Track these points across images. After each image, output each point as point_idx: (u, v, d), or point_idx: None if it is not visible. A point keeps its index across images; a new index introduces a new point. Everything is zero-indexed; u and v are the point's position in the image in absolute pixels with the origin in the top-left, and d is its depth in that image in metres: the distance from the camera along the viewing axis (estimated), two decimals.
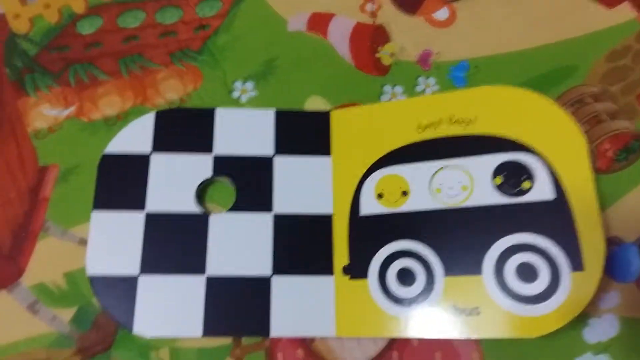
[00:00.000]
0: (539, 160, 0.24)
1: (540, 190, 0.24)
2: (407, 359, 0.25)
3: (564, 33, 0.30)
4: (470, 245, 0.24)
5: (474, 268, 0.23)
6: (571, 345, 0.25)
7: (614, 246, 0.26)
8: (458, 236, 0.24)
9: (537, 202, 0.23)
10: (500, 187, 0.24)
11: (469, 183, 0.25)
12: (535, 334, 0.22)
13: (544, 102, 0.25)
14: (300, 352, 0.25)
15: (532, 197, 0.24)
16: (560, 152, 0.24)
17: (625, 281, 0.26)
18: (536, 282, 0.22)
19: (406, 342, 0.25)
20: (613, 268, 0.26)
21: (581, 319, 0.25)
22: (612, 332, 0.25)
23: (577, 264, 0.22)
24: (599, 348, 0.25)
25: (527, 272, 0.23)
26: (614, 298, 0.25)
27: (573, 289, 0.22)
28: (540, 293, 0.22)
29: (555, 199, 0.23)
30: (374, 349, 0.25)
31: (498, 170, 0.24)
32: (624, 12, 0.30)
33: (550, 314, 0.22)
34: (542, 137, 0.24)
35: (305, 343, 0.25)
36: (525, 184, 0.24)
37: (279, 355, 0.25)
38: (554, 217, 0.23)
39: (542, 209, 0.23)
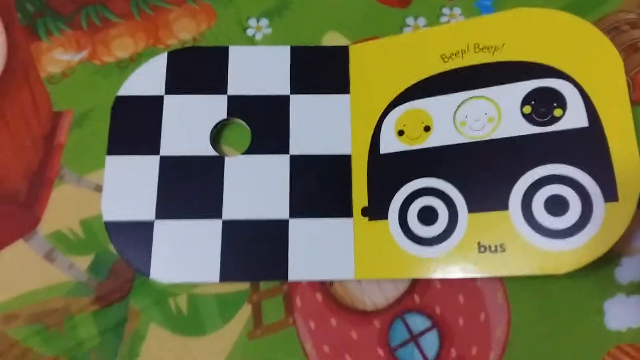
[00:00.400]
0: (571, 85, 0.22)
1: (573, 118, 0.22)
2: (429, 302, 0.24)
3: None
4: (496, 180, 0.22)
5: (500, 203, 0.22)
6: (602, 286, 0.23)
7: None
8: (483, 171, 0.22)
9: (568, 130, 0.22)
10: (530, 116, 0.22)
11: (495, 114, 0.23)
12: (564, 269, 0.21)
13: (576, 22, 0.23)
14: (319, 296, 0.24)
15: (564, 125, 0.22)
16: (594, 76, 0.22)
17: None
18: (567, 215, 0.21)
19: (428, 284, 0.24)
20: None
21: (613, 258, 0.24)
22: None
23: (610, 194, 0.21)
24: (632, 288, 0.23)
25: (557, 205, 0.21)
26: None
27: (606, 220, 0.20)
28: (571, 226, 0.21)
29: (588, 127, 0.21)
30: (395, 293, 0.24)
31: (527, 98, 0.23)
32: None
33: (581, 248, 0.20)
34: (574, 61, 0.22)
35: (324, 287, 0.24)
36: (557, 112, 0.22)
37: (297, 300, 0.24)
38: (587, 146, 0.21)
39: (574, 137, 0.21)
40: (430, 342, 0.23)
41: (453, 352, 0.23)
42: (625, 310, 0.23)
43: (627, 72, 0.25)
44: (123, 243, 0.24)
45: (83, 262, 0.24)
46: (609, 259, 0.23)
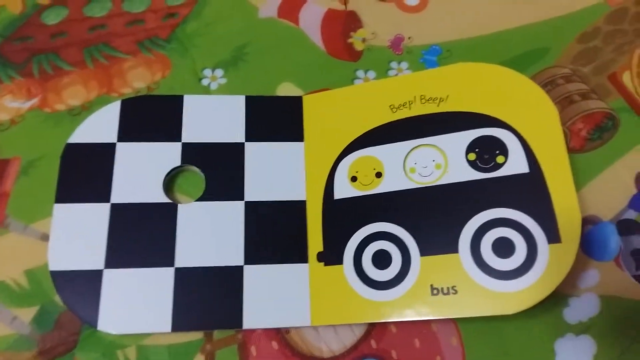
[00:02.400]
0: (512, 134, 0.23)
1: (515, 164, 0.22)
2: (386, 347, 0.23)
3: (534, 16, 0.29)
4: (445, 224, 0.22)
5: (450, 246, 0.22)
6: (552, 327, 0.23)
7: (590, 225, 0.25)
8: (433, 215, 0.22)
9: (511, 176, 0.22)
10: (474, 163, 0.23)
11: (442, 161, 0.23)
12: (514, 309, 0.21)
13: (514, 76, 0.24)
14: (274, 345, 0.23)
15: (507, 171, 0.22)
16: (533, 125, 0.23)
17: (603, 260, 0.24)
18: (513, 257, 0.21)
19: (384, 329, 0.23)
20: (591, 247, 0.25)
21: (561, 299, 0.24)
22: (592, 311, 0.24)
23: (553, 236, 0.21)
24: (580, 328, 0.23)
25: (503, 247, 0.21)
26: (593, 277, 0.24)
27: (551, 261, 0.21)
28: (517, 267, 0.21)
29: (529, 172, 0.22)
30: (352, 338, 0.23)
31: (471, 146, 0.23)
32: None
33: (528, 288, 0.21)
34: (513, 111, 0.23)
35: (280, 335, 0.23)
36: (499, 159, 0.23)
37: (252, 349, 0.23)
38: (529, 191, 0.22)
39: (516, 182, 0.22)
40: None
41: None
42: (575, 350, 0.23)
43: (563, 123, 0.26)
44: (70, 293, 0.22)
45: (27, 314, 0.23)
46: (557, 300, 0.24)
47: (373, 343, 0.23)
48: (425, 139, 0.24)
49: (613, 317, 0.23)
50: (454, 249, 0.22)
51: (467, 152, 0.23)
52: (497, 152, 0.23)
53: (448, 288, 0.21)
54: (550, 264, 0.21)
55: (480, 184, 0.22)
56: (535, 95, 0.23)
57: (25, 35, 0.27)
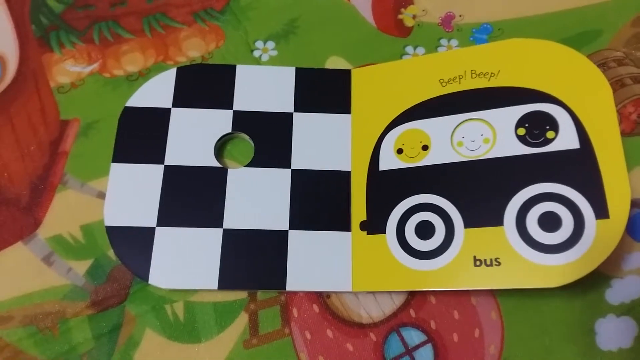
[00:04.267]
0: (563, 110, 0.22)
1: (565, 140, 0.22)
2: (425, 317, 0.23)
3: None
4: (491, 197, 0.22)
5: (495, 219, 0.22)
6: (593, 306, 0.23)
7: (637, 208, 0.24)
8: (479, 188, 0.22)
9: (561, 152, 0.22)
10: (523, 138, 0.22)
11: (491, 135, 0.23)
12: (557, 283, 0.20)
13: (567, 52, 0.23)
14: (315, 308, 0.23)
15: (556, 146, 0.22)
16: (585, 101, 0.22)
17: None
18: (559, 231, 0.21)
19: (423, 300, 0.23)
20: (635, 229, 0.24)
21: (603, 280, 0.23)
22: (635, 293, 0.23)
23: (602, 212, 0.20)
24: (622, 309, 0.23)
25: (550, 221, 0.21)
26: (637, 259, 0.24)
27: (597, 236, 0.20)
28: (563, 241, 0.21)
29: (580, 148, 0.22)
30: (391, 306, 0.23)
31: (521, 121, 0.23)
32: None
33: (573, 262, 0.20)
34: (566, 88, 0.23)
35: (321, 299, 0.23)
36: (549, 134, 0.22)
37: (294, 311, 0.23)
38: (579, 166, 0.21)
39: (566, 158, 0.22)
40: (425, 356, 0.23)
41: None
42: (616, 331, 0.23)
43: None
44: (123, 248, 0.23)
45: (81, 266, 0.24)
46: (600, 280, 0.23)
47: (412, 312, 0.23)
48: (474, 112, 0.24)
49: None
50: (499, 222, 0.22)
51: (516, 127, 0.23)
52: (548, 127, 0.22)
53: (491, 260, 0.21)
54: (597, 239, 0.20)
55: (529, 158, 0.22)
56: (589, 72, 0.23)
57: (87, 3, 0.28)
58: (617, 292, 0.23)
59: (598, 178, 0.21)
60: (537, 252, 0.21)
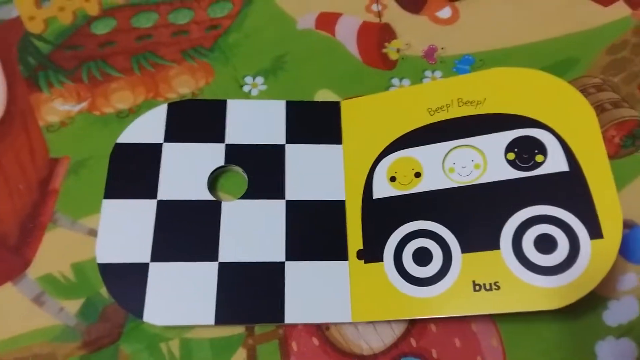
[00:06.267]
0: (550, 134, 0.23)
1: (554, 163, 0.22)
2: (426, 346, 0.23)
3: (564, 29, 0.29)
4: (486, 221, 0.22)
5: (492, 243, 0.22)
6: (592, 329, 0.23)
7: (627, 229, 0.25)
8: (473, 213, 0.22)
9: (551, 174, 0.22)
10: (514, 162, 0.23)
11: (481, 161, 0.23)
12: (558, 304, 0.20)
13: (549, 79, 0.24)
14: (315, 341, 0.23)
15: (546, 169, 0.22)
16: (570, 125, 0.23)
17: None
18: (555, 253, 0.21)
19: (424, 328, 0.23)
20: (627, 250, 0.24)
21: (600, 302, 0.23)
22: (632, 314, 0.23)
23: (595, 232, 0.21)
24: (621, 331, 0.23)
25: (545, 244, 0.21)
26: (631, 280, 0.24)
27: (593, 256, 0.20)
28: (560, 263, 0.21)
29: (569, 171, 0.22)
30: (391, 336, 0.23)
31: (510, 146, 0.23)
32: (619, 10, 0.30)
33: (571, 283, 0.20)
34: (551, 113, 0.23)
35: (320, 331, 0.23)
36: (538, 158, 0.22)
37: (293, 345, 0.23)
38: (569, 188, 0.21)
39: (557, 180, 0.22)
40: None
41: None
42: (616, 352, 0.23)
43: None
44: (116, 285, 0.22)
45: (73, 305, 0.23)
46: (597, 302, 0.23)
47: (413, 342, 0.23)
48: (463, 139, 0.24)
49: None
50: (496, 246, 0.22)
51: (506, 152, 0.23)
52: (536, 151, 0.23)
53: (490, 284, 0.21)
54: (593, 259, 0.20)
55: (520, 182, 0.22)
56: (572, 97, 0.23)
57: (75, 44, 0.28)
58: (614, 313, 0.23)
59: (589, 199, 0.21)
60: (535, 275, 0.21)
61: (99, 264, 0.23)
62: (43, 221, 0.24)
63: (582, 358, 0.22)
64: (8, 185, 0.25)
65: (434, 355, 0.22)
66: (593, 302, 0.23)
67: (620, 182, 0.25)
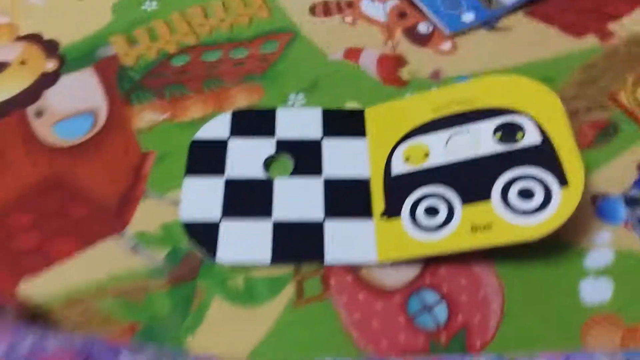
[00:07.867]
0: (527, 119, 0.30)
1: (531, 138, 0.29)
2: (438, 282, 0.28)
3: (540, 55, 0.37)
4: (480, 181, 0.29)
5: (485, 196, 0.28)
6: (575, 272, 0.28)
7: (602, 198, 0.31)
8: (471, 176, 0.29)
9: (529, 146, 0.29)
10: (500, 140, 0.30)
11: (475, 142, 0.30)
12: (536, 236, 0.26)
13: (527, 81, 0.31)
14: (349, 278, 0.29)
15: (525, 143, 0.29)
16: (542, 111, 0.29)
17: (615, 223, 0.30)
18: (534, 199, 0.27)
19: (436, 269, 0.29)
20: (604, 213, 0.30)
21: (582, 252, 0.29)
22: (609, 260, 0.29)
23: (563, 181, 0.27)
24: (599, 272, 0.28)
25: (526, 193, 0.27)
26: (606, 236, 0.30)
27: (562, 200, 0.27)
28: (538, 206, 0.27)
29: (542, 141, 0.29)
30: (410, 275, 0.29)
31: (497, 129, 0.30)
32: (590, 40, 0.38)
33: (547, 220, 0.26)
34: (528, 104, 0.30)
35: (354, 270, 0.29)
36: (519, 135, 0.29)
37: (332, 280, 0.29)
38: (543, 154, 0.28)
39: (533, 150, 0.28)
40: (441, 311, 0.28)
41: (460, 319, 0.27)
42: (596, 287, 0.28)
43: (573, 129, 0.33)
44: (195, 236, 0.29)
45: (161, 253, 0.29)
46: (579, 252, 0.29)
47: (427, 278, 0.29)
48: (461, 127, 0.31)
49: (627, 263, 0.29)
50: (488, 197, 0.28)
51: (494, 133, 0.30)
52: (518, 131, 0.30)
53: (484, 226, 0.27)
54: (563, 202, 0.27)
55: (506, 153, 0.29)
56: (543, 91, 0.30)
57: (159, 72, 0.37)
58: (593, 260, 0.29)
59: (557, 159, 0.28)
60: (518, 216, 0.27)
61: (183, 222, 0.30)
62: (137, 195, 0.31)
63: (568, 293, 0.28)
64: (110, 172, 0.32)
65: (445, 289, 0.28)
66: (576, 252, 0.29)
67: (596, 164, 0.32)
